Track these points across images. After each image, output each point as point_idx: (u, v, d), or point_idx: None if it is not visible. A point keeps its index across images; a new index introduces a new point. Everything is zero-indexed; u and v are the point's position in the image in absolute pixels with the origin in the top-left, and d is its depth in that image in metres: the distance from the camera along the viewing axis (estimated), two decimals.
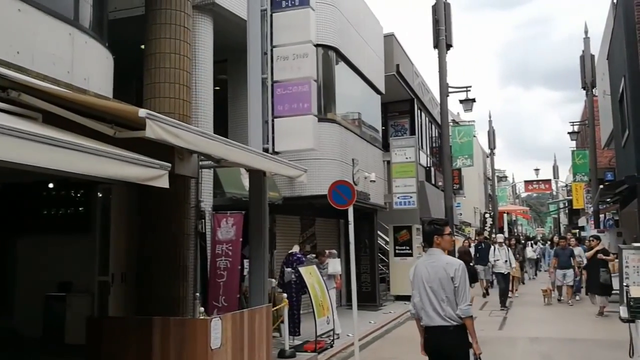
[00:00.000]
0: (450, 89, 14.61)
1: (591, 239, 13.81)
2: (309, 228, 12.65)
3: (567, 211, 54.29)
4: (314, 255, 9.68)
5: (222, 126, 11.14)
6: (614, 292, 12.57)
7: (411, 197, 14.34)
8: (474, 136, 31.71)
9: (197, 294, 9.12)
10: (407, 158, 14.47)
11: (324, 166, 10.91)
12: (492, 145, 34.08)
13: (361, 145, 12.93)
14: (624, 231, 17.94)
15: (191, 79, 9.01)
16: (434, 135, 22.67)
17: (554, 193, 58.06)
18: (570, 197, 41.33)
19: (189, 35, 7.85)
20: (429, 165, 20.56)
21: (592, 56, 19.37)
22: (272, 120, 7.76)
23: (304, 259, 9.26)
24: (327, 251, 9.73)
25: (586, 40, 19.50)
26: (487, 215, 34.47)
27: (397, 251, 14.98)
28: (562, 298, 15.02)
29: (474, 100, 14.57)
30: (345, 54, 12.21)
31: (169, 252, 7.49)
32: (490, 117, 33.46)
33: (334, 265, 9.43)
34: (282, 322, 8.33)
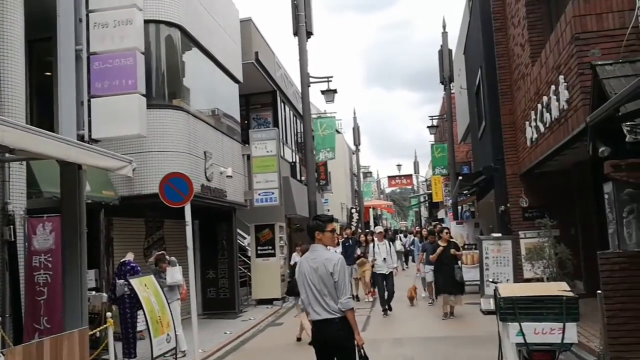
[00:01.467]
0: (311, 79, 13.83)
1: (446, 231, 11.65)
2: (155, 231, 11.14)
3: (427, 204, 57.13)
4: (152, 263, 8.27)
5: (50, 116, 9.35)
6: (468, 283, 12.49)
7: (273, 193, 13.35)
8: (338, 132, 31.69)
9: (7, 315, 7.48)
10: (268, 152, 13.45)
11: (169, 159, 9.53)
12: (357, 141, 34.37)
13: (215, 137, 11.68)
14: (481, 222, 18.46)
15: None
16: (299, 130, 21.95)
17: (415, 188, 60.74)
18: (430, 191, 43.28)
19: None
20: (294, 160, 19.77)
21: (450, 51, 19.78)
22: (89, 101, 6.29)
23: (138, 268, 7.84)
24: (167, 258, 8.37)
25: (444, 34, 19.86)
26: (353, 211, 34.77)
27: (259, 252, 13.93)
28: (433, 301, 12.60)
29: (335, 91, 13.95)
30: (194, 35, 10.88)
31: None
32: (354, 113, 33.77)
33: (173, 274, 8.10)
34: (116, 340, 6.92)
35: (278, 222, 14.57)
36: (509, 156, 12.29)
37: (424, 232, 15.88)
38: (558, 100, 8.03)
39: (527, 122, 10.47)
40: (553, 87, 8.26)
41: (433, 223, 42.09)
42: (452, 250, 10.94)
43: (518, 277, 10.93)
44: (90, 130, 6.28)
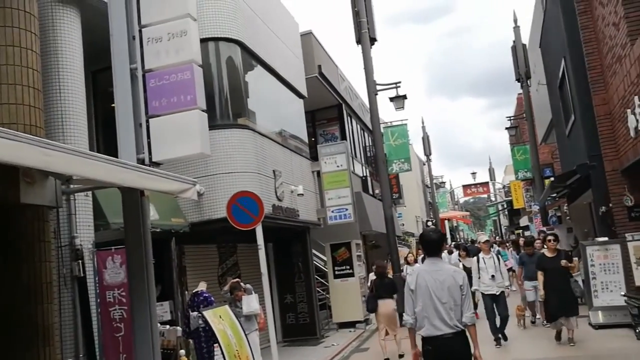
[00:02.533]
0: (378, 87, 13.10)
1: (550, 238, 9.14)
2: (229, 257, 10.67)
3: (506, 212, 54.61)
4: (227, 291, 7.71)
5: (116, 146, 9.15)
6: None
7: (346, 209, 12.65)
8: (409, 143, 30.71)
9: (80, 355, 7.15)
10: (338, 166, 12.80)
11: (238, 180, 9.04)
12: (427, 151, 33.20)
13: (284, 155, 11.15)
14: (574, 226, 16.94)
15: (52, 83, 7.09)
16: (367, 143, 21.24)
17: (492, 196, 58.41)
18: (510, 198, 41.16)
19: (34, 24, 5.91)
20: (365, 174, 19.03)
21: (524, 45, 18.51)
22: (147, 122, 5.84)
23: (212, 298, 7.30)
24: (242, 285, 7.79)
25: (516, 29, 18.64)
26: (429, 223, 33.48)
27: (336, 272, 13.20)
28: (536, 319, 10.95)
29: (405, 97, 13.12)
30: (255, 51, 10.45)
31: (20, 310, 5.51)
32: (423, 122, 32.64)
33: (249, 303, 7.50)
34: None
35: (354, 239, 13.82)
36: (607, 151, 11.00)
37: (521, 241, 14.18)
38: None
39: (628, 110, 9.25)
40: None
41: (516, 232, 39.99)
42: (564, 262, 8.63)
43: (630, 284, 9.64)
44: (150, 153, 5.81)
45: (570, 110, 13.59)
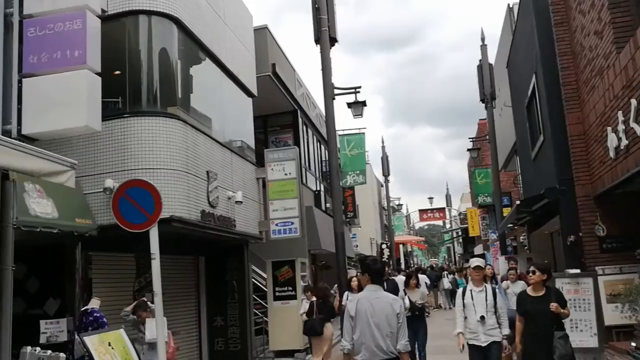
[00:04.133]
0: (336, 91, 11.88)
1: (532, 269, 6.49)
2: (150, 269, 9.09)
3: (461, 240, 54.27)
4: (128, 312, 6.20)
5: None
6: None
7: (292, 222, 11.29)
8: (367, 162, 29.71)
9: None
10: (286, 174, 11.45)
11: (161, 179, 7.60)
12: (386, 171, 32.25)
13: (223, 156, 9.76)
14: (534, 256, 16.04)
15: None
16: (324, 158, 20.02)
17: (447, 223, 58.12)
18: (466, 225, 40.63)
19: None
20: (318, 189, 17.76)
21: (491, 65, 17.74)
22: (20, 82, 4.41)
23: (104, 319, 5.81)
24: (149, 305, 6.33)
25: (483, 47, 17.85)
26: (384, 246, 32.45)
27: (277, 294, 11.75)
28: None
29: (364, 103, 11.95)
30: (195, 33, 9.10)
31: None
32: (383, 142, 31.70)
33: (153, 328, 6.04)
34: None
35: (300, 257, 12.46)
36: (579, 174, 10.05)
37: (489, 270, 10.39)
38: None
39: (609, 128, 8.29)
40: None
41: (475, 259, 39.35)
42: (554, 305, 5.99)
43: (601, 324, 8.63)
44: (20, 124, 4.38)
45: (538, 131, 12.71)
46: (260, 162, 11.95)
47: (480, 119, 32.02)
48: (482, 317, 6.28)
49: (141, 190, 4.75)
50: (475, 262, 6.79)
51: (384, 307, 4.50)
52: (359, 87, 11.90)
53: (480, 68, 17.88)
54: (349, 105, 12.10)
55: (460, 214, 49.78)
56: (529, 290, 6.43)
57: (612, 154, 8.27)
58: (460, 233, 48.63)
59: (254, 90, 12.04)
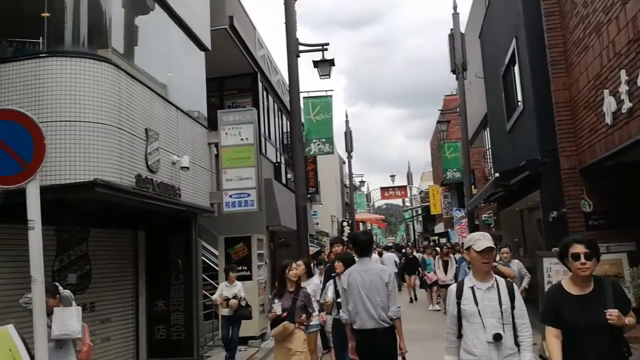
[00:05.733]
0: (301, 47, 10.63)
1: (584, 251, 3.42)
2: (75, 246, 7.75)
3: (420, 219, 54.04)
4: (29, 301, 4.90)
5: None
6: None
7: (249, 194, 10.05)
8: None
9: None
10: (242, 139, 10.16)
11: (86, 134, 6.27)
12: (349, 147, 31.16)
13: (167, 113, 8.43)
14: (504, 234, 15.34)
15: None
16: (285, 129, 18.76)
17: (406, 201, 57.91)
18: (427, 204, 40.17)
19: None
20: (278, 161, 16.55)
21: (462, 35, 16.74)
22: None
23: None
24: (60, 289, 5.05)
25: (455, 16, 16.84)
26: (345, 224, 31.59)
27: None
28: None
29: (332, 62, 10.73)
30: None
31: None
32: (347, 116, 30.53)
33: (64, 320, 4.76)
34: None
35: (257, 234, 11.28)
36: (564, 144, 9.20)
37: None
38: None
39: (606, 91, 7.38)
40: None
41: (435, 240, 38.90)
42: (614, 314, 3.31)
43: None
44: None
45: (516, 101, 11.84)
46: (213, 127, 10.64)
47: (445, 95, 31.28)
48: (498, 336, 3.56)
49: (13, 125, 3.34)
50: (482, 240, 3.69)
51: (374, 278, 4.80)
52: (327, 44, 10.68)
53: (451, 37, 16.88)
54: (316, 64, 10.87)
55: (421, 192, 49.46)
56: (567, 284, 3.53)
57: (608, 119, 7.38)
58: (420, 211, 48.33)
59: (208, 44, 10.66)
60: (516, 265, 8.54)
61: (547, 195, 9.65)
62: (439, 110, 25.02)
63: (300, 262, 6.82)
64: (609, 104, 7.27)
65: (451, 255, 13.37)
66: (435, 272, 14.03)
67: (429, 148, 43.48)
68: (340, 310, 5.10)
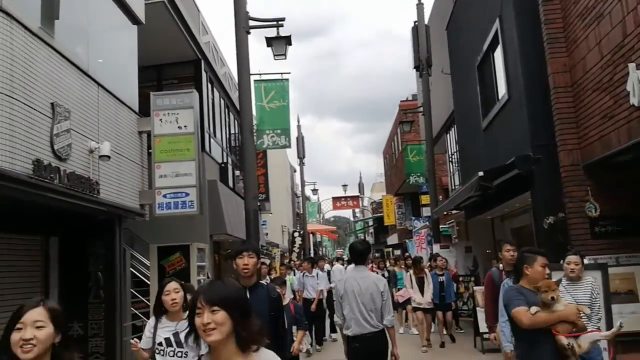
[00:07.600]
0: (252, 23, 8.94)
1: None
2: None
3: (372, 230, 52.92)
4: None
5: None
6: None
7: (187, 194, 8.21)
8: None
9: None
10: (181, 127, 8.34)
11: None
12: (301, 153, 29.60)
13: (83, 88, 6.55)
14: (473, 245, 14.02)
15: None
16: (233, 130, 16.96)
17: (357, 212, 56.78)
18: (380, 214, 38.96)
19: None
20: (224, 161, 14.72)
21: (427, 27, 15.45)
22: None
23: None
24: None
25: (419, 6, 15.54)
26: (296, 234, 29.85)
27: None
28: None
29: (288, 40, 9.03)
30: None
31: None
32: (298, 121, 28.96)
33: None
34: None
35: (197, 242, 9.42)
36: (565, 137, 7.84)
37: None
38: None
39: (631, 65, 6.02)
40: None
41: (388, 252, 37.58)
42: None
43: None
44: None
45: (496, 93, 10.52)
46: (145, 112, 8.76)
47: (401, 101, 30.20)
48: None
49: None
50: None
51: (370, 285, 4.93)
52: (282, 19, 9.00)
53: (415, 30, 15.56)
54: (269, 41, 9.16)
55: (373, 202, 48.36)
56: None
57: (634, 100, 6.01)
58: (372, 222, 47.19)
59: (142, 16, 8.83)
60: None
61: (540, 198, 8.27)
62: (402, 111, 23.69)
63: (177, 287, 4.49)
64: (636, 80, 5.92)
65: (426, 271, 11.28)
66: (407, 290, 11.91)
67: (377, 161, 42.59)
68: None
